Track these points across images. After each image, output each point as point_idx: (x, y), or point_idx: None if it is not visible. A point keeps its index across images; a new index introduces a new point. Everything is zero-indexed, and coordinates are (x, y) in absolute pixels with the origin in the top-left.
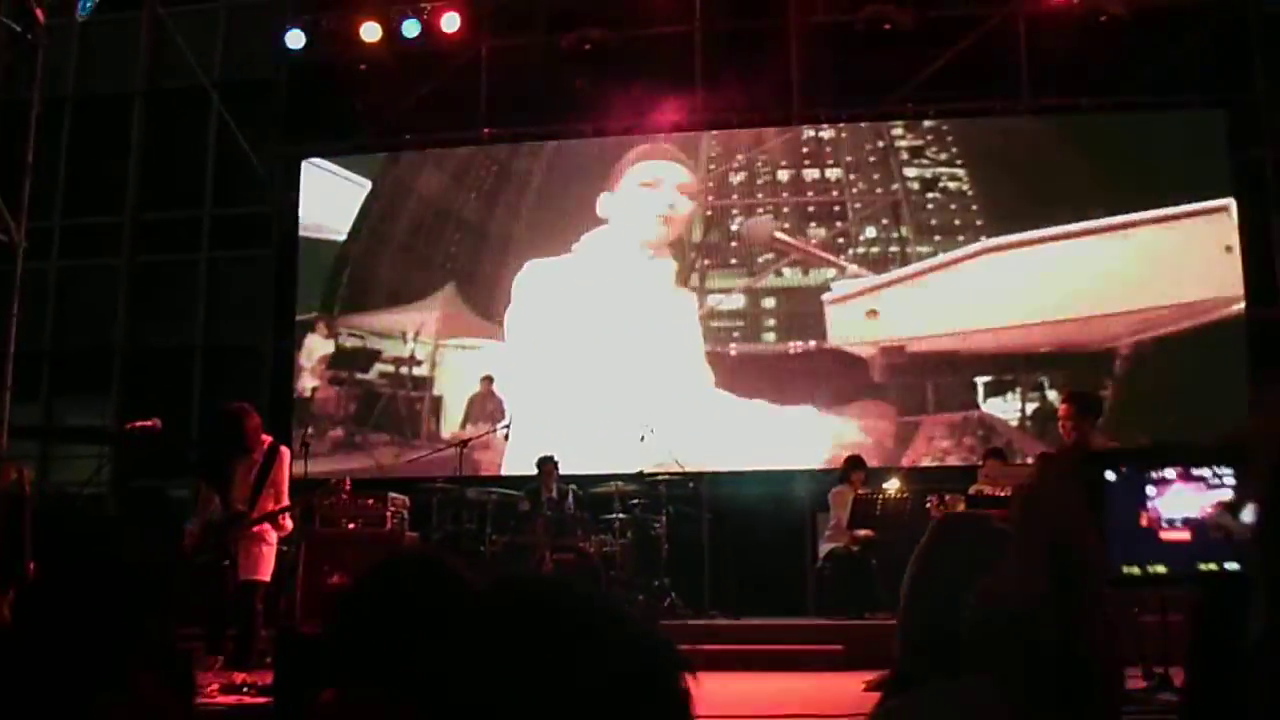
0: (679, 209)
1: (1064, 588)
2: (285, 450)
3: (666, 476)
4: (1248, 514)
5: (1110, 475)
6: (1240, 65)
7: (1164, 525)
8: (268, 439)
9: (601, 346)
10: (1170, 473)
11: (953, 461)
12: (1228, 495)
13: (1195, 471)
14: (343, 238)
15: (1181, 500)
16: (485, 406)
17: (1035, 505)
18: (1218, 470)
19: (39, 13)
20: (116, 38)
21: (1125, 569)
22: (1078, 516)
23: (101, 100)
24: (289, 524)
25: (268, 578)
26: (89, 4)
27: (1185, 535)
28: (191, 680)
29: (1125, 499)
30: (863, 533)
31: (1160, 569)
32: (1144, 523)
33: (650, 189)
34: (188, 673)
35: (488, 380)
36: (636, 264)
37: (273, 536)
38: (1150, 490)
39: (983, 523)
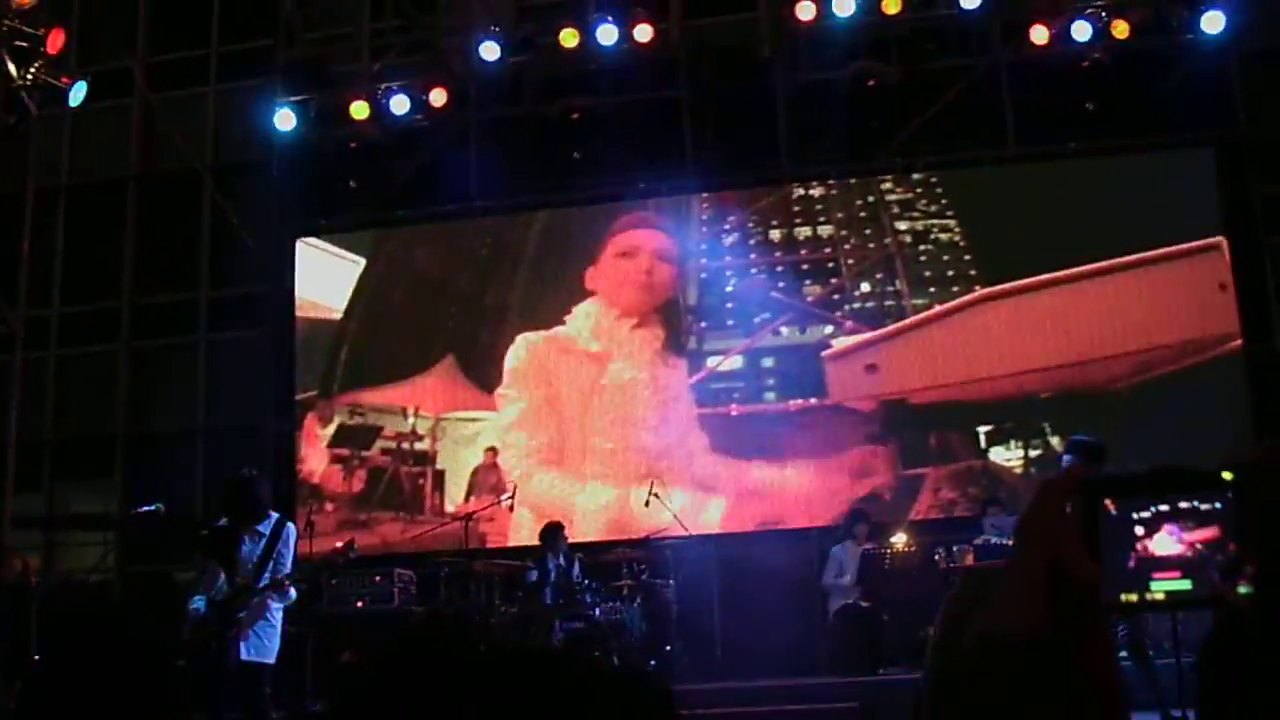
0: (656, 276)
1: (1066, 611)
2: (292, 526)
3: (673, 540)
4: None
5: (1110, 507)
6: (1223, 103)
7: (1155, 569)
8: (274, 515)
9: (595, 416)
10: (1161, 508)
11: (959, 513)
12: (1213, 532)
13: (1183, 505)
14: (339, 315)
15: (1171, 541)
16: (489, 479)
17: (1032, 528)
18: (1208, 501)
19: (30, 105)
20: (108, 124)
21: (1124, 597)
22: (1076, 540)
23: (95, 187)
24: (293, 593)
25: (273, 659)
26: (80, 93)
27: (1177, 576)
28: None
29: (1116, 539)
30: (872, 588)
31: (1159, 595)
32: (1133, 565)
33: (627, 259)
34: None
35: (491, 452)
36: (623, 334)
37: (278, 617)
38: (1139, 530)
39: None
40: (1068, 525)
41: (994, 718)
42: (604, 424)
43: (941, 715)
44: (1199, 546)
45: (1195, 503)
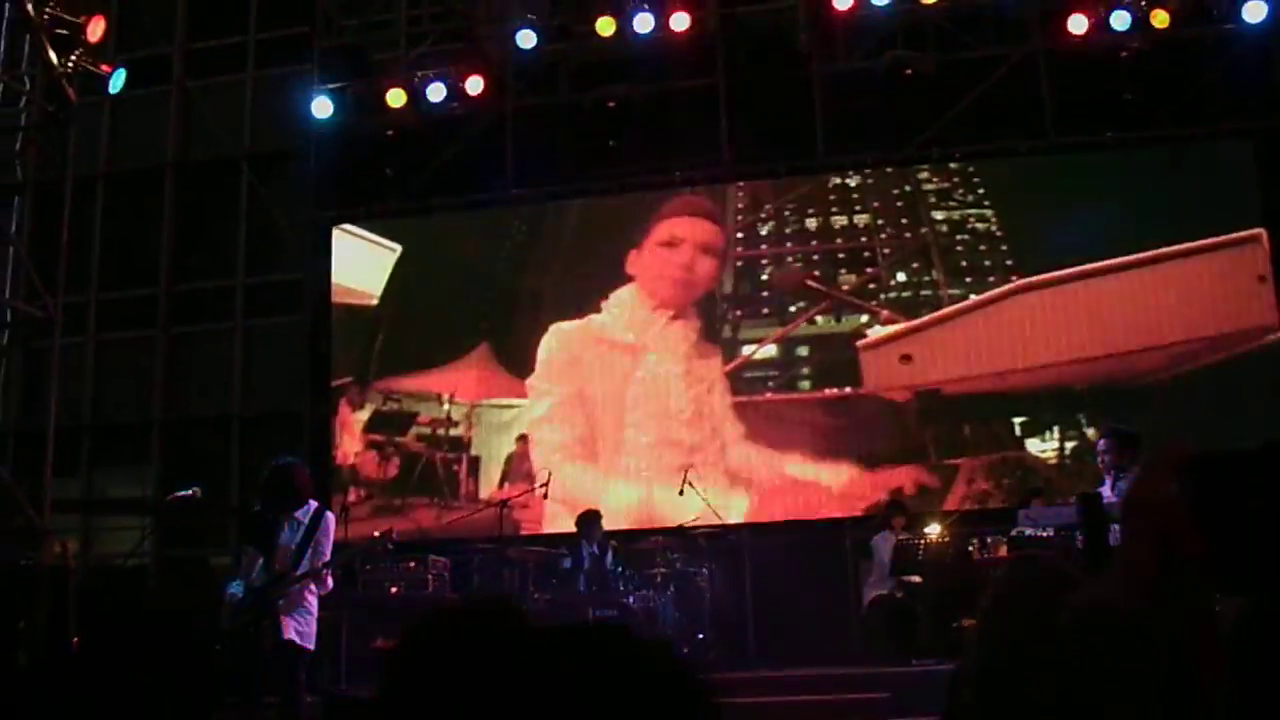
0: (697, 270)
1: (1173, 584)
2: (331, 515)
3: (707, 529)
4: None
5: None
6: (1264, 93)
7: None
8: (313, 502)
9: (629, 409)
10: None
11: (993, 504)
12: None
13: None
14: (375, 302)
15: None
16: (522, 466)
17: (1141, 504)
18: None
19: (70, 92)
20: (146, 112)
21: None
22: (1184, 516)
23: (133, 174)
24: (330, 582)
25: (312, 646)
26: (119, 80)
27: None
28: None
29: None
30: (906, 578)
31: None
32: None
33: (668, 249)
34: None
35: (523, 439)
36: (659, 327)
37: (315, 604)
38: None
39: (1049, 567)
40: (1176, 501)
41: (1093, 686)
42: (638, 417)
43: (997, 693)
44: None
45: None
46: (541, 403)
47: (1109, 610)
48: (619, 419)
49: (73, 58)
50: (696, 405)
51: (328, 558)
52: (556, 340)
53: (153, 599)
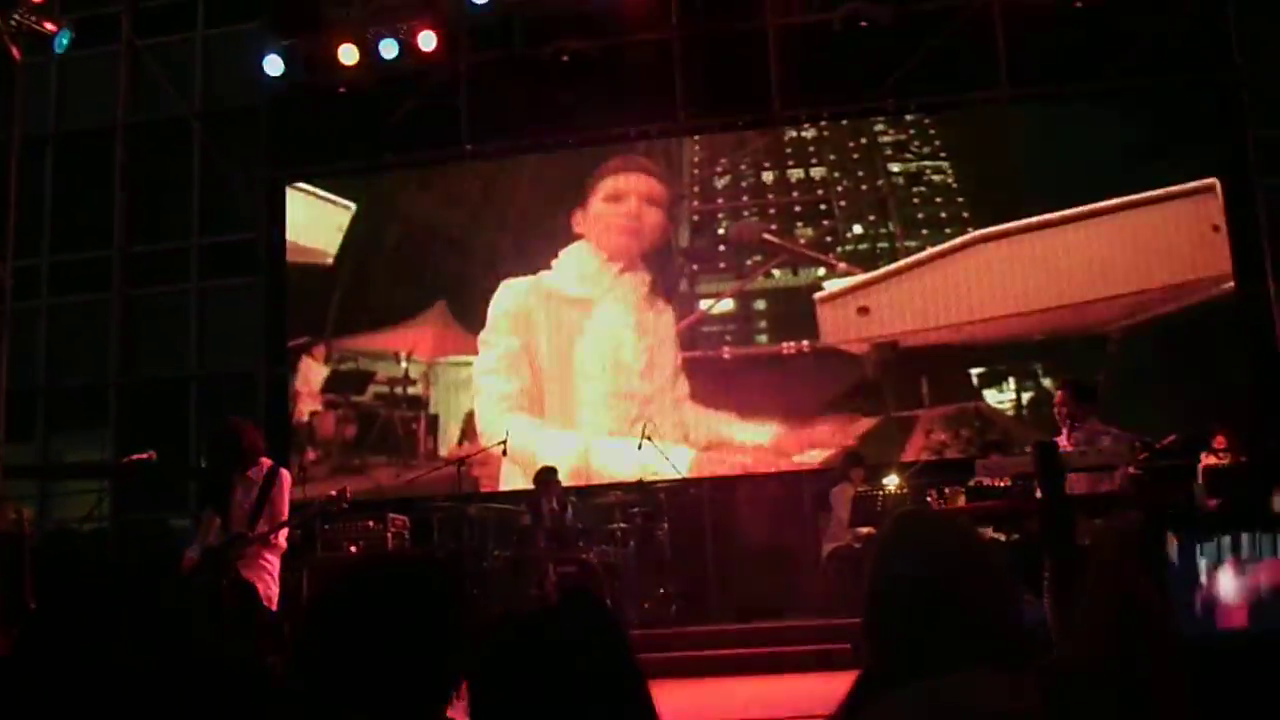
0: (645, 220)
1: (1134, 647)
2: (285, 473)
3: (666, 483)
4: None
5: (1173, 554)
6: (1219, 44)
7: (1220, 614)
8: (267, 462)
9: (580, 362)
10: (1225, 547)
11: (951, 454)
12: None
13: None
14: (331, 261)
15: (1235, 582)
16: (478, 422)
17: (1103, 569)
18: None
19: (15, 51)
20: (95, 72)
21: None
22: (1145, 579)
23: (83, 135)
24: (284, 542)
25: (274, 608)
26: (65, 39)
27: (1244, 618)
28: None
29: (1180, 585)
30: (865, 530)
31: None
32: (1200, 611)
33: (614, 204)
34: None
35: (470, 394)
36: (610, 278)
37: (275, 567)
38: (1203, 580)
39: (934, 520)
40: (1136, 564)
41: None
42: (590, 370)
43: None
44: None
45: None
46: (489, 355)
47: (1082, 667)
48: (569, 371)
49: (16, 16)
50: (649, 357)
51: (284, 517)
52: (506, 295)
53: (113, 562)
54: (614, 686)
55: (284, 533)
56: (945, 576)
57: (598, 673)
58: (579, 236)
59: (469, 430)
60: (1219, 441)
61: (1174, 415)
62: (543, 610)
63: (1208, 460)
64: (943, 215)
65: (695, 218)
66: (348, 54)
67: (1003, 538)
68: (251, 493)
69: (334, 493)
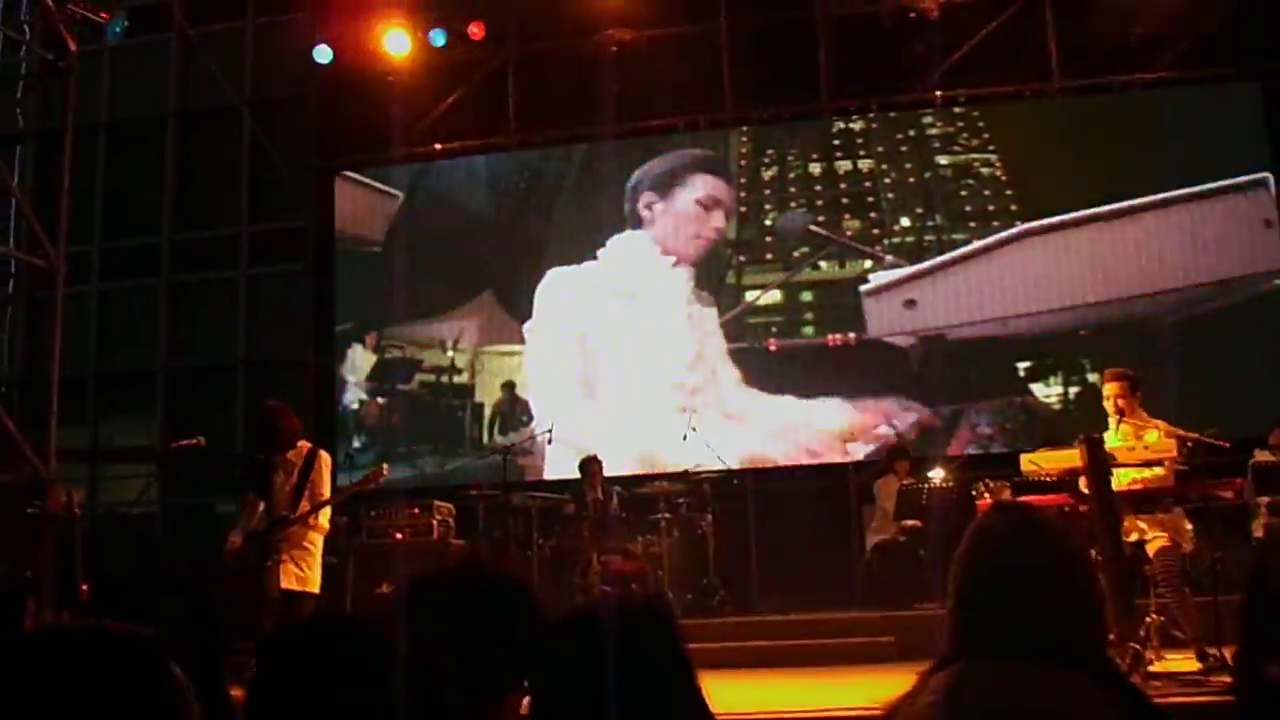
0: (711, 225)
1: None
2: (325, 455)
3: (711, 475)
4: None
5: None
6: (1272, 36)
7: None
8: (306, 445)
9: (627, 352)
10: None
11: (997, 448)
12: None
13: None
14: (379, 249)
15: None
16: (523, 412)
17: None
18: None
19: (70, 40)
20: (147, 61)
21: None
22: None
23: (135, 123)
24: (325, 523)
25: (318, 589)
26: (118, 28)
27: None
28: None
29: None
30: (910, 523)
31: None
32: None
33: (704, 209)
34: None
35: (509, 386)
36: (660, 270)
37: (318, 547)
38: None
39: (1025, 513)
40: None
41: None
42: (637, 360)
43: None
44: None
45: None
46: (536, 343)
47: None
48: (617, 362)
49: (71, 5)
50: (697, 348)
51: (325, 497)
52: (554, 284)
53: (159, 547)
54: (667, 681)
55: (326, 513)
56: (1045, 568)
57: (652, 666)
58: (640, 222)
59: (514, 419)
60: (1275, 437)
61: (1225, 410)
62: (600, 604)
63: (1261, 456)
64: (990, 208)
65: (742, 209)
66: (397, 43)
67: None
68: (292, 475)
69: (370, 473)
